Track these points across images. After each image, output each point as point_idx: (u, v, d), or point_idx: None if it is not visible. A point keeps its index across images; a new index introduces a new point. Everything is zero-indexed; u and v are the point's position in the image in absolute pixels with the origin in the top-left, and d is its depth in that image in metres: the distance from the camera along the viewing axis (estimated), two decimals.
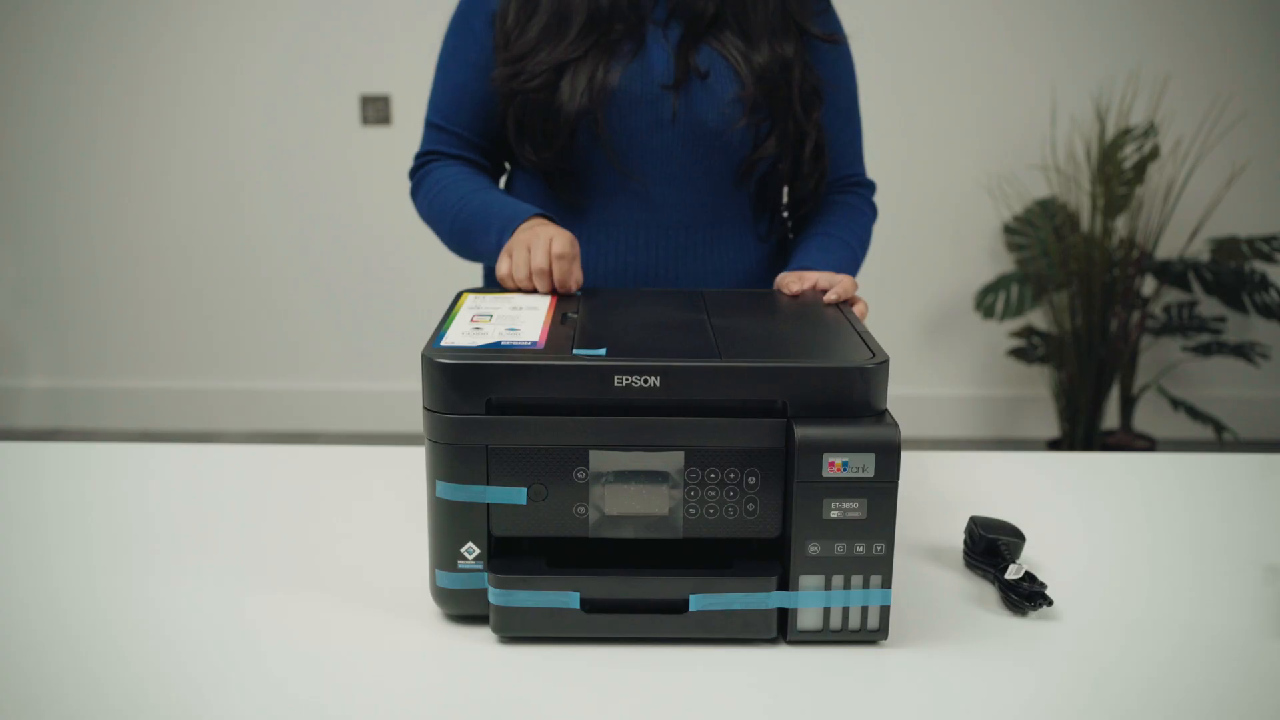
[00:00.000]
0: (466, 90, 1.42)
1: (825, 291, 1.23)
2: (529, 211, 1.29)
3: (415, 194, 1.47)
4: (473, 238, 1.35)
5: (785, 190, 1.49)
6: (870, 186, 1.52)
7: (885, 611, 0.97)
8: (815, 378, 0.94)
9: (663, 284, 1.43)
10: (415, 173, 1.47)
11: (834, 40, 1.43)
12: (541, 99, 1.35)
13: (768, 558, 0.99)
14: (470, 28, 1.41)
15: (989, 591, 1.08)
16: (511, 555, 0.99)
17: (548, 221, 1.28)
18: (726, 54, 1.37)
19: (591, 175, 1.40)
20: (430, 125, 1.46)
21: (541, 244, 1.18)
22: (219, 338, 3.69)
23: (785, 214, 1.53)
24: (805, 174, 1.42)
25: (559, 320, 1.07)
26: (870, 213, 1.50)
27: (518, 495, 0.96)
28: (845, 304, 1.18)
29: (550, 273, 1.18)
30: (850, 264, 1.41)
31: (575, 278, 1.19)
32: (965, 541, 1.14)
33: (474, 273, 1.59)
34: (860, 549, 0.95)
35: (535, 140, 1.38)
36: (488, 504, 0.96)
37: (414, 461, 1.37)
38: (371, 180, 3.55)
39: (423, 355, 0.96)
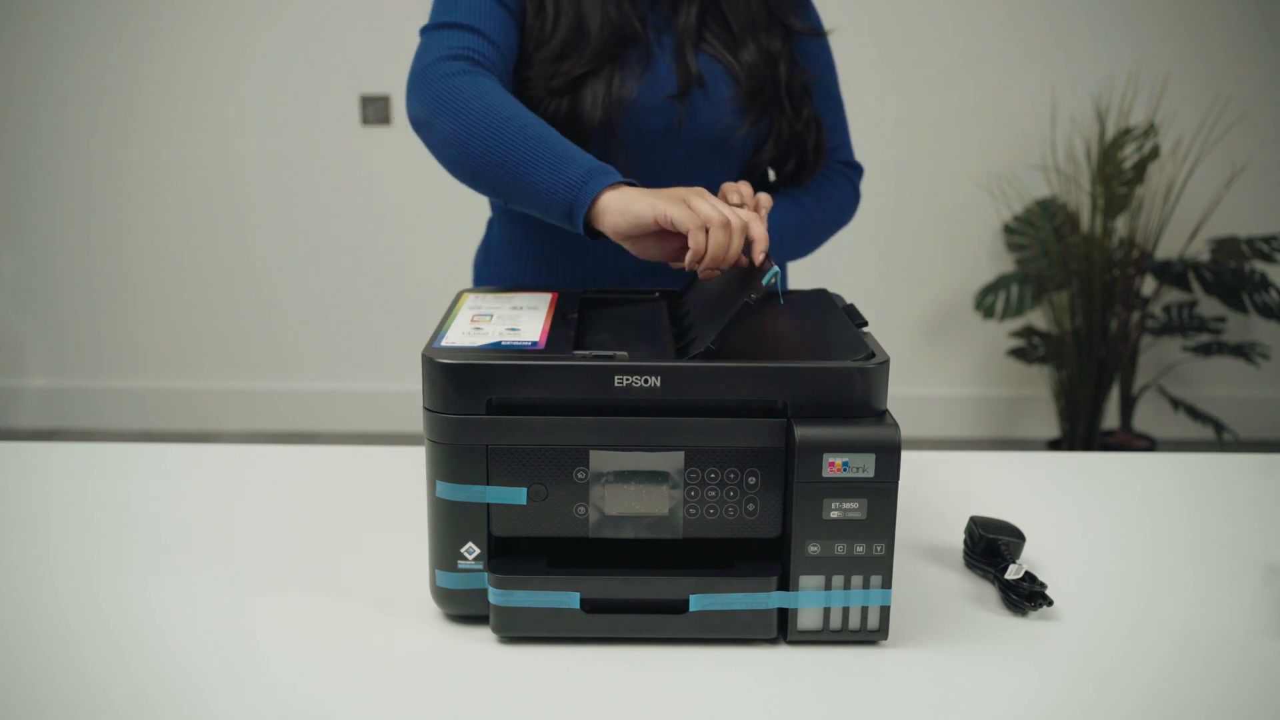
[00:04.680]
0: (495, 13, 1.31)
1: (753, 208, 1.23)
2: (614, 174, 1.13)
3: (436, 91, 1.23)
4: (531, 162, 1.16)
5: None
6: (857, 169, 1.51)
7: (885, 611, 0.97)
8: (815, 378, 0.94)
9: (663, 285, 1.43)
10: (436, 69, 1.25)
11: (817, 34, 1.44)
12: (564, 109, 1.34)
13: (768, 558, 0.99)
14: None
15: (989, 591, 1.08)
16: (511, 555, 0.99)
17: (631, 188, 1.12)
18: (719, 56, 1.38)
19: None
20: (453, 26, 1.28)
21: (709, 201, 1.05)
22: (218, 338, 3.69)
23: None
24: (810, 168, 1.43)
25: (559, 320, 1.07)
26: (850, 193, 1.49)
27: (518, 495, 0.96)
28: (847, 302, 1.17)
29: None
30: (797, 226, 1.41)
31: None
32: (965, 541, 1.14)
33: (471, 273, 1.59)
34: (860, 549, 0.95)
35: None
36: (488, 504, 0.96)
37: (414, 461, 1.37)
38: (371, 180, 3.55)
39: (423, 355, 0.96)
